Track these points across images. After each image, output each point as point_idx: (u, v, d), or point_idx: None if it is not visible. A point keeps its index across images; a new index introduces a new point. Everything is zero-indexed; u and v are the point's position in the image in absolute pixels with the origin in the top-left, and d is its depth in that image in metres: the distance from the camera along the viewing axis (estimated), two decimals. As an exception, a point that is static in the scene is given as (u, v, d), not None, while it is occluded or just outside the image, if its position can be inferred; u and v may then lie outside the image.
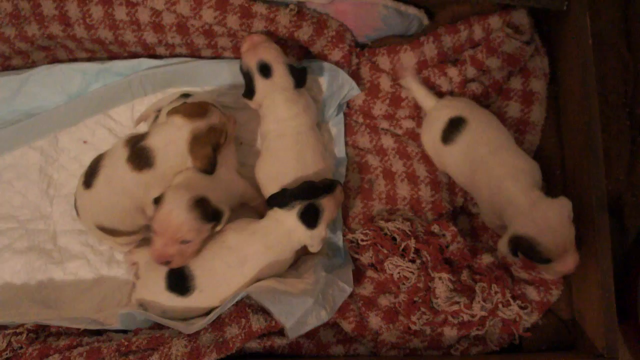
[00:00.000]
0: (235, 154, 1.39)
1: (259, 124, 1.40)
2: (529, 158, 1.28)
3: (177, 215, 1.17)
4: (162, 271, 1.25)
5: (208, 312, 1.26)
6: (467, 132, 1.28)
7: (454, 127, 1.30)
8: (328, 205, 1.24)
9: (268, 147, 1.36)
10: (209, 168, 1.25)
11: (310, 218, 1.22)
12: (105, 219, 1.29)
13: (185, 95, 1.42)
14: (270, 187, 1.32)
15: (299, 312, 1.16)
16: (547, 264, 1.19)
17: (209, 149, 1.24)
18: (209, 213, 1.20)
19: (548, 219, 1.16)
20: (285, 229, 1.23)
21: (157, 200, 1.20)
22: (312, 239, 1.24)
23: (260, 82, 1.31)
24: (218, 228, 1.25)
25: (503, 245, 1.22)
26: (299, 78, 1.33)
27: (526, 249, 1.17)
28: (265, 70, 1.30)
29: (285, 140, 1.33)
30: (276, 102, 1.32)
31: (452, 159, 1.33)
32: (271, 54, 1.30)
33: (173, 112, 1.26)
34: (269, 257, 1.25)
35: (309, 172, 1.33)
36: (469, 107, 1.33)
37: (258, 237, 1.24)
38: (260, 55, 1.30)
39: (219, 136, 1.26)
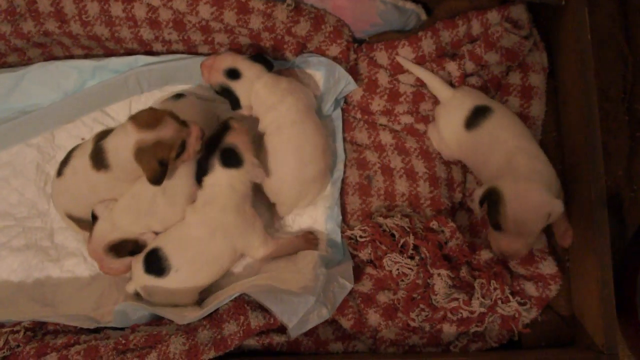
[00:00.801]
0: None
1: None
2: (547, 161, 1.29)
3: (97, 254, 1.30)
4: (142, 256, 1.30)
5: (200, 301, 1.30)
6: (495, 119, 1.29)
7: (479, 114, 1.30)
8: (236, 139, 1.27)
9: (266, 147, 1.35)
10: (154, 181, 1.21)
11: (231, 159, 1.26)
12: (73, 207, 1.34)
13: (178, 95, 1.41)
14: (282, 191, 1.34)
15: (301, 311, 1.15)
16: (496, 230, 1.21)
17: (154, 163, 1.19)
18: (125, 253, 1.30)
19: (528, 198, 1.17)
20: (224, 185, 1.26)
21: (93, 219, 1.30)
22: (249, 172, 1.27)
23: (236, 85, 1.33)
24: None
25: (478, 192, 1.24)
26: (264, 61, 1.35)
27: (491, 203, 1.20)
28: (233, 73, 1.33)
29: (281, 135, 1.32)
30: (258, 91, 1.33)
31: (471, 143, 1.32)
32: (228, 59, 1.33)
33: (131, 117, 1.23)
34: (229, 217, 1.27)
35: (309, 170, 1.33)
36: (490, 100, 1.34)
37: (209, 207, 1.26)
38: (220, 66, 1.33)
39: (166, 151, 1.20)
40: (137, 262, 1.30)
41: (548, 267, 1.30)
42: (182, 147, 1.23)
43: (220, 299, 1.23)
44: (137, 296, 1.33)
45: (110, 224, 1.28)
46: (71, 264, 1.41)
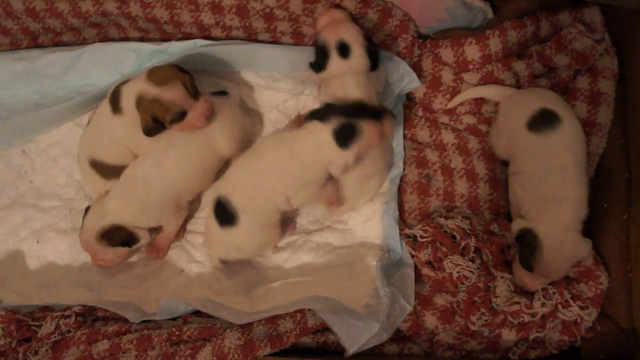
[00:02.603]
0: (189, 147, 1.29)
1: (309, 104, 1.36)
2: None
3: (88, 243, 1.27)
4: (210, 201, 1.27)
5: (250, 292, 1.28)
6: (558, 133, 1.23)
7: (545, 120, 1.24)
8: (368, 131, 1.17)
9: None
10: (146, 132, 1.24)
11: (343, 137, 1.17)
12: (96, 151, 1.33)
13: (221, 92, 1.39)
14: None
15: (365, 338, 1.14)
16: (525, 269, 1.23)
17: (147, 117, 1.22)
18: (117, 241, 1.27)
19: (566, 248, 1.20)
20: (315, 141, 1.19)
21: (86, 210, 1.29)
22: (338, 159, 1.18)
23: (335, 61, 1.26)
24: (135, 248, 1.31)
25: (517, 227, 1.24)
26: (374, 60, 1.28)
27: (527, 246, 1.21)
28: (344, 50, 1.25)
29: None
30: (347, 84, 1.26)
31: (527, 146, 1.27)
32: (352, 34, 1.25)
33: (152, 67, 1.26)
34: (293, 165, 1.21)
35: (368, 168, 1.29)
36: (562, 105, 1.28)
37: (286, 143, 1.22)
38: (341, 34, 1.25)
39: (161, 111, 1.21)
40: (210, 226, 1.28)
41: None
42: (182, 115, 1.23)
43: (278, 301, 1.20)
44: (226, 264, 1.33)
45: (100, 209, 1.26)
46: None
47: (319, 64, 1.28)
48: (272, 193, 1.23)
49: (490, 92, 1.38)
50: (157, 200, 1.28)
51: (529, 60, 1.37)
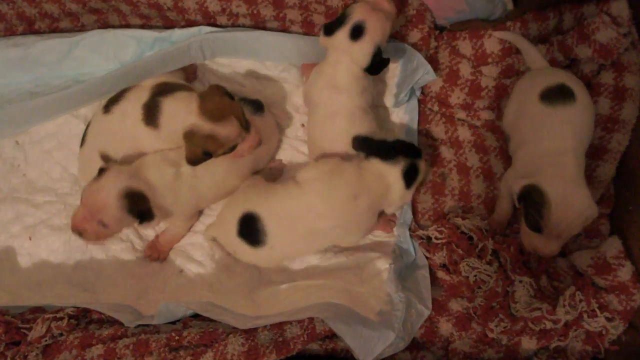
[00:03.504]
0: (229, 172, 1.26)
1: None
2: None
3: (104, 197, 1.12)
4: (237, 213, 1.19)
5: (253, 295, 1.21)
6: (571, 110, 1.18)
7: (560, 94, 1.19)
8: (423, 168, 1.21)
9: (314, 128, 1.27)
10: (192, 162, 1.17)
11: (410, 178, 1.18)
12: (111, 148, 1.24)
13: (258, 106, 1.30)
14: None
15: (379, 349, 1.07)
16: (533, 230, 1.15)
17: (199, 150, 1.14)
18: (136, 210, 1.14)
19: (575, 203, 1.12)
20: (384, 185, 1.16)
21: (100, 170, 1.15)
22: (402, 199, 1.19)
23: (342, 35, 1.19)
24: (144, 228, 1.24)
25: (517, 184, 1.16)
26: (375, 66, 1.22)
27: (533, 203, 1.13)
28: (356, 32, 1.18)
29: (335, 124, 1.23)
30: (340, 66, 1.21)
31: (533, 115, 1.21)
32: (374, 27, 1.18)
33: (202, 94, 1.17)
34: (351, 209, 1.16)
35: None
36: (581, 87, 1.22)
37: (356, 201, 1.15)
38: (366, 19, 1.18)
39: (215, 147, 1.15)
40: (223, 216, 1.23)
41: (627, 273, 1.19)
42: (233, 148, 1.18)
43: (284, 306, 1.14)
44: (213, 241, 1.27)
45: (133, 170, 1.16)
46: (117, 249, 1.31)
47: (330, 27, 1.21)
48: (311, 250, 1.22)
49: (530, 52, 1.30)
50: (193, 193, 1.23)
51: (550, 46, 1.31)
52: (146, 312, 1.22)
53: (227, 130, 1.14)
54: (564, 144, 1.16)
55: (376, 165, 1.16)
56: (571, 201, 1.11)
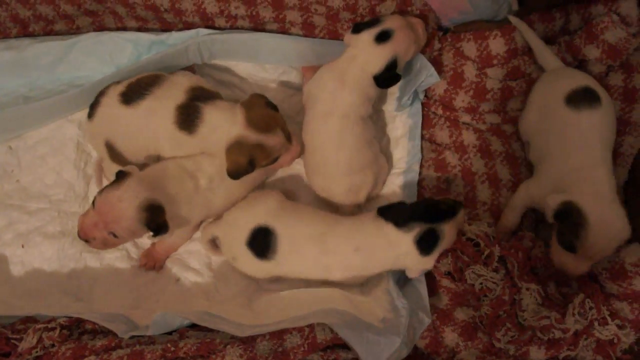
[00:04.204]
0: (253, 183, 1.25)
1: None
2: None
3: (123, 208, 1.06)
4: (250, 223, 1.15)
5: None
6: (598, 115, 1.15)
7: (586, 98, 1.16)
8: (449, 232, 1.10)
9: (307, 126, 1.24)
10: (234, 175, 1.13)
11: (427, 244, 1.09)
12: (121, 141, 1.19)
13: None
14: (313, 177, 1.26)
15: (386, 354, 1.02)
16: (566, 250, 1.11)
17: (244, 160, 1.12)
18: (154, 223, 1.09)
19: (613, 225, 1.08)
20: (395, 252, 1.11)
21: (119, 175, 1.09)
22: (419, 265, 1.12)
23: (367, 36, 1.19)
24: (154, 239, 1.18)
25: (555, 202, 1.10)
26: (385, 77, 1.21)
27: (569, 222, 1.08)
28: (382, 37, 1.19)
29: (328, 125, 1.20)
30: (353, 62, 1.20)
31: (557, 120, 1.18)
32: (401, 40, 1.19)
33: (246, 104, 1.14)
34: (359, 272, 1.15)
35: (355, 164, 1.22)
36: (603, 89, 1.20)
37: (361, 253, 1.12)
38: (396, 29, 1.19)
39: (261, 157, 1.14)
40: (233, 218, 1.19)
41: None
42: (275, 159, 1.17)
43: (285, 314, 1.10)
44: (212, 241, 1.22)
45: (154, 182, 1.11)
46: (112, 258, 1.27)
47: (359, 26, 1.21)
48: (318, 282, 1.18)
49: (540, 50, 1.26)
50: (206, 205, 1.19)
51: (558, 48, 1.28)
52: (141, 323, 1.17)
53: (275, 141, 1.13)
54: (593, 155, 1.13)
55: (390, 232, 1.10)
56: (609, 223, 1.08)
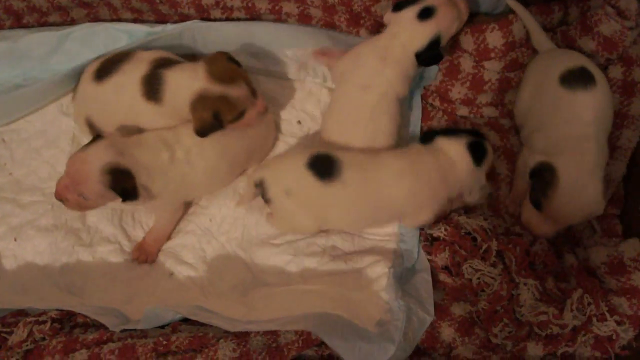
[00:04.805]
0: (232, 149, 1.21)
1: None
2: None
3: (87, 170, 1.07)
4: (308, 153, 1.13)
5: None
6: (593, 95, 1.14)
7: (581, 78, 1.15)
8: (489, 153, 1.16)
9: (337, 100, 1.23)
10: (201, 132, 1.12)
11: (478, 153, 1.14)
12: (99, 118, 1.20)
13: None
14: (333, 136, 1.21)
15: None
16: (534, 207, 1.14)
17: (208, 114, 1.10)
18: (120, 187, 1.09)
19: (583, 194, 1.10)
20: (447, 158, 1.13)
21: (94, 138, 1.12)
22: (472, 178, 1.14)
23: (409, 13, 1.18)
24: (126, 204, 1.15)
25: (533, 159, 1.15)
26: (428, 55, 1.19)
27: (542, 181, 1.11)
28: (425, 13, 1.17)
29: (365, 98, 1.18)
30: (395, 40, 1.18)
31: (551, 99, 1.17)
32: (444, 15, 1.17)
33: (207, 60, 1.13)
34: (420, 182, 1.13)
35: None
36: (599, 71, 1.19)
37: (425, 165, 1.13)
38: (439, 4, 1.17)
39: (227, 110, 1.12)
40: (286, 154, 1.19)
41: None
42: (240, 114, 1.14)
43: (278, 312, 1.08)
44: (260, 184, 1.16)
45: (122, 146, 1.10)
46: (105, 251, 1.25)
47: (401, 4, 1.20)
48: (383, 197, 1.14)
49: (535, 31, 1.26)
50: (184, 181, 1.17)
51: (553, 36, 1.27)
52: (134, 317, 1.16)
53: (238, 92, 1.11)
54: (585, 130, 1.13)
55: (439, 142, 1.14)
56: (580, 191, 1.09)
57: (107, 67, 1.17)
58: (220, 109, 1.10)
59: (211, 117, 1.10)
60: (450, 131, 1.19)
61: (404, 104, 1.24)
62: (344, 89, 1.22)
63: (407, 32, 1.17)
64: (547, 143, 1.15)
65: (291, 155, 1.17)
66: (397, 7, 1.19)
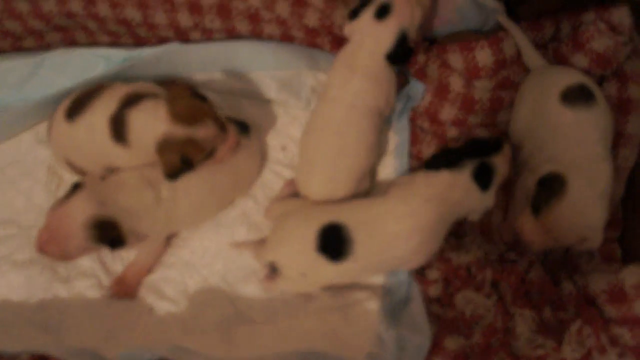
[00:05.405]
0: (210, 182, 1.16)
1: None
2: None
3: (69, 226, 1.02)
4: (314, 226, 1.06)
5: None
6: (594, 113, 1.11)
7: (581, 96, 1.12)
8: (501, 165, 1.10)
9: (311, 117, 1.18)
10: (170, 176, 1.06)
11: (484, 179, 1.07)
12: (77, 159, 1.16)
13: (241, 124, 1.20)
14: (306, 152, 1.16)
15: None
16: (533, 210, 1.10)
17: (176, 158, 1.04)
18: (106, 239, 1.03)
19: (585, 216, 1.07)
20: (459, 194, 1.06)
21: (74, 187, 1.05)
22: (481, 203, 1.08)
23: (367, 16, 1.12)
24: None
25: (546, 170, 1.10)
26: (398, 54, 1.13)
27: (548, 189, 1.08)
28: (382, 11, 1.10)
29: (334, 111, 1.13)
30: (360, 48, 1.12)
31: (552, 117, 1.13)
32: (402, 9, 1.10)
33: (168, 99, 1.06)
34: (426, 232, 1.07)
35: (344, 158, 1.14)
36: (597, 87, 1.16)
37: (431, 204, 1.06)
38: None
39: (195, 152, 1.05)
40: (291, 232, 1.09)
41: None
42: (211, 152, 1.08)
43: (263, 349, 1.04)
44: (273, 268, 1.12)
45: (103, 195, 1.04)
46: (83, 286, 1.20)
47: (356, 11, 1.14)
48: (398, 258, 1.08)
49: (526, 47, 1.21)
50: (170, 218, 1.12)
51: (545, 53, 1.22)
52: (112, 356, 1.10)
53: (204, 132, 1.04)
54: (595, 151, 1.10)
55: (444, 177, 1.07)
56: (583, 210, 1.05)
57: (78, 104, 1.12)
58: (187, 152, 1.04)
59: (179, 161, 1.04)
60: (457, 153, 1.10)
61: (380, 121, 1.18)
62: (317, 106, 1.17)
63: (371, 37, 1.11)
64: (555, 162, 1.11)
65: (298, 233, 1.08)
66: (353, 15, 1.13)
